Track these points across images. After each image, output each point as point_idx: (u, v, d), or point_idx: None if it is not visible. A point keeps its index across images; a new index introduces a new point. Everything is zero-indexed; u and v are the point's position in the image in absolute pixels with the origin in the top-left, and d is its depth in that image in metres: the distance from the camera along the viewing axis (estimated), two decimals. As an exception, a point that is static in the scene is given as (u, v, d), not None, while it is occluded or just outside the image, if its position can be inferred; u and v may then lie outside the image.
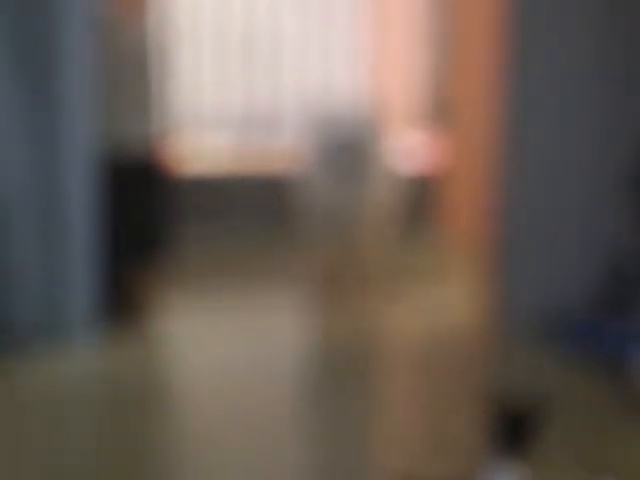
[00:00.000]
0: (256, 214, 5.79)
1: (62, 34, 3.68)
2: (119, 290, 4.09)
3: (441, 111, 6.00)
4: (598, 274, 4.03)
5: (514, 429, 2.28)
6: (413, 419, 3.21)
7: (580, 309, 3.97)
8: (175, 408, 3.30)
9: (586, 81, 4.01)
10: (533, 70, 4.00)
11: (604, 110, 4.03)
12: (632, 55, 4.01)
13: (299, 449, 2.90)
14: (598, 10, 3.98)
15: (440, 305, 4.51)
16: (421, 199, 5.95)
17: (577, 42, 3.99)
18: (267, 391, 3.37)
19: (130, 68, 4.19)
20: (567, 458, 2.72)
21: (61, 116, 3.72)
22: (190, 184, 5.54)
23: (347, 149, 5.10)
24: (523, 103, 4.02)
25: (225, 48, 6.09)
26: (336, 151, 5.10)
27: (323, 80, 6.18)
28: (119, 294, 4.08)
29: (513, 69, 4.02)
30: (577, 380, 3.46)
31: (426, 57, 6.13)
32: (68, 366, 3.58)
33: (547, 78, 4.01)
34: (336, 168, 5.11)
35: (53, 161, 3.73)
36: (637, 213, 4.02)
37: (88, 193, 3.82)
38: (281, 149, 6.05)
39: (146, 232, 4.26)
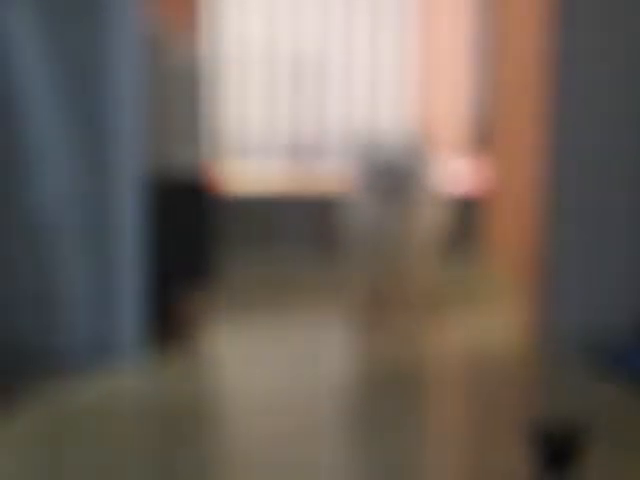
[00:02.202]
0: (303, 238, 5.83)
1: (112, 62, 3.76)
2: (166, 313, 4.13)
3: (487, 135, 6.01)
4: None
5: (559, 454, 2.27)
6: (457, 445, 3.21)
7: (627, 332, 3.95)
8: (223, 428, 3.32)
9: (635, 107, 4.01)
10: (579, 96, 4.01)
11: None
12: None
13: (343, 471, 2.92)
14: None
15: (486, 327, 4.51)
16: (467, 223, 5.95)
17: (629, 65, 3.99)
18: (313, 412, 3.40)
19: (179, 95, 4.26)
20: None
21: (110, 143, 3.78)
22: (237, 209, 5.59)
23: (393, 173, 5.13)
24: (569, 128, 4.04)
25: (273, 75, 6.16)
26: (382, 175, 5.13)
27: (369, 105, 6.22)
28: (166, 317, 4.13)
29: (559, 96, 4.03)
30: (622, 405, 3.44)
31: (472, 83, 6.15)
32: (114, 388, 3.62)
33: (594, 104, 4.01)
34: (382, 192, 5.13)
35: (101, 186, 3.79)
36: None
37: (136, 217, 3.88)
38: (328, 174, 6.09)
39: (194, 255, 4.31)
